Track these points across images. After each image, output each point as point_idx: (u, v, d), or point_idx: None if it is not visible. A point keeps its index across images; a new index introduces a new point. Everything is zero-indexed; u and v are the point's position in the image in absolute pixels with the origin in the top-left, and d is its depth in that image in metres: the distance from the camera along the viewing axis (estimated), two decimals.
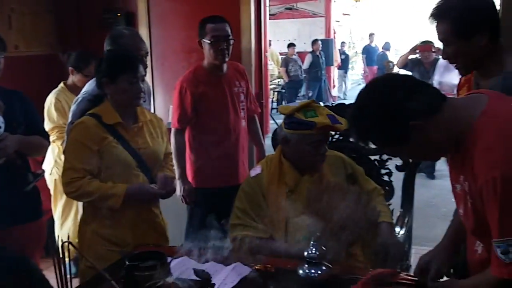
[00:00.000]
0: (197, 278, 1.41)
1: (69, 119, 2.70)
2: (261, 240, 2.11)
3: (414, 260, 2.10)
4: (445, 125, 1.41)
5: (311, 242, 1.76)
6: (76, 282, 2.36)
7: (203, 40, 3.03)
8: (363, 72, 15.79)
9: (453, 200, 1.67)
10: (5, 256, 1.95)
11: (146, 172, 2.36)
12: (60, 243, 0.84)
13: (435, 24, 2.01)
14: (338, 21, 15.63)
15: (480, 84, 2.10)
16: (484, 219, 1.37)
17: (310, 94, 11.75)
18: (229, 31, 3.06)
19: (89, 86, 2.78)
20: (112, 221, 2.27)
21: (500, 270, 1.34)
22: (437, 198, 5.46)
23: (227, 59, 3.10)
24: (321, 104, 2.59)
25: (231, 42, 3.07)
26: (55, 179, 3.57)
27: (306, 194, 2.12)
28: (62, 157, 3.45)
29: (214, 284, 1.33)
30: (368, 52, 14.92)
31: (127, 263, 1.52)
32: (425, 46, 6.18)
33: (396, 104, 1.40)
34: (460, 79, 2.34)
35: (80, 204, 2.77)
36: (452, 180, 1.57)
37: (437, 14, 1.99)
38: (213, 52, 3.01)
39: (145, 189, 2.31)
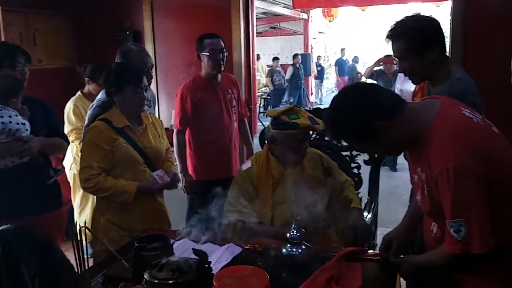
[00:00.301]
0: (196, 257, 1.39)
1: (86, 122, 2.68)
2: (252, 224, 2.11)
3: (379, 240, 2.11)
4: (406, 125, 1.43)
5: (293, 225, 1.76)
6: (91, 262, 2.35)
7: (202, 53, 3.02)
8: (336, 81, 15.80)
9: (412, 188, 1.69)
10: (33, 240, 1.93)
11: (151, 167, 2.34)
12: (78, 228, 0.83)
13: (391, 43, 2.04)
14: (315, 38, 15.63)
15: (431, 91, 2.12)
16: (438, 203, 1.38)
17: (291, 100, 11.78)
18: (223, 45, 3.07)
19: (101, 94, 2.75)
20: (122, 211, 2.25)
21: (453, 246, 1.35)
22: (398, 187, 5.48)
23: (222, 69, 3.10)
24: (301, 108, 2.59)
25: (226, 54, 3.07)
26: (74, 174, 3.54)
27: (290, 184, 2.12)
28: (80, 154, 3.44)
29: (210, 262, 1.32)
30: (340, 64, 14.96)
31: (135, 245, 1.51)
32: (388, 59, 6.24)
33: (364, 107, 1.41)
34: (415, 87, 2.36)
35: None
36: (411, 171, 1.58)
37: (394, 35, 2.02)
38: (211, 63, 3.01)
39: (152, 186, 2.29)
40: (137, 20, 4.36)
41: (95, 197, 3.03)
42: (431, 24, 1.99)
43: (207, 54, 2.99)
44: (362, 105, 1.41)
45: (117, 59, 2.80)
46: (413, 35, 1.97)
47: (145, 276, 1.29)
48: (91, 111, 2.66)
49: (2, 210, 2.23)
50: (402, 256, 1.71)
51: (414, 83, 2.23)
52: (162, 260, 1.33)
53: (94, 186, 2.17)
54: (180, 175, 3.09)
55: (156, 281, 1.25)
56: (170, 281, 1.26)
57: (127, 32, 4.33)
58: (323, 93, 15.77)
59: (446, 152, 1.34)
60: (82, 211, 3.68)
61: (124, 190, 2.19)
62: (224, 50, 3.05)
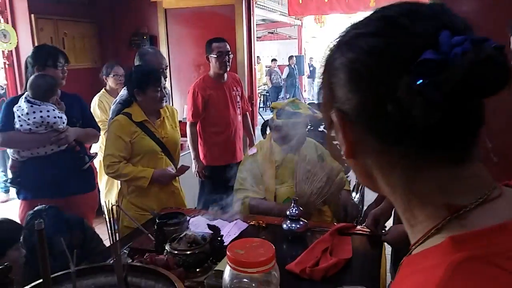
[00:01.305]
0: (210, 231, 1.41)
1: (110, 116, 2.68)
2: (258, 199, 2.12)
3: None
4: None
5: (292, 204, 1.76)
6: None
7: (210, 55, 3.01)
8: None
9: None
10: (64, 218, 1.94)
11: (168, 155, 2.35)
12: (110, 206, 0.84)
13: None
14: (308, 42, 15.54)
15: None
16: None
17: (288, 96, 11.75)
18: (229, 48, 3.06)
19: (123, 91, 2.75)
20: (142, 194, 2.24)
21: None
22: None
23: (228, 69, 3.10)
24: None
25: (231, 56, 3.07)
26: (100, 160, 3.54)
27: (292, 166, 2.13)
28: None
29: (222, 235, 1.33)
30: None
31: (157, 221, 1.52)
32: None
33: None
34: None
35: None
36: None
37: None
38: (218, 64, 3.01)
39: (167, 173, 2.28)
40: (153, 26, 4.34)
41: (119, 181, 3.05)
42: None
43: (215, 56, 2.99)
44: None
45: (136, 60, 2.79)
46: None
47: (166, 248, 1.31)
48: (114, 106, 2.66)
49: (43, 191, 2.25)
50: (387, 229, 1.72)
51: None
52: (181, 234, 1.34)
53: (115, 172, 2.17)
54: (193, 162, 3.12)
55: (176, 252, 1.27)
56: (188, 252, 1.28)
57: (144, 37, 4.32)
58: (315, 90, 15.70)
59: None
60: (108, 193, 3.69)
61: (141, 176, 2.19)
62: (230, 52, 3.05)
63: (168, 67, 3.00)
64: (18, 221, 2.18)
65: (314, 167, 2.05)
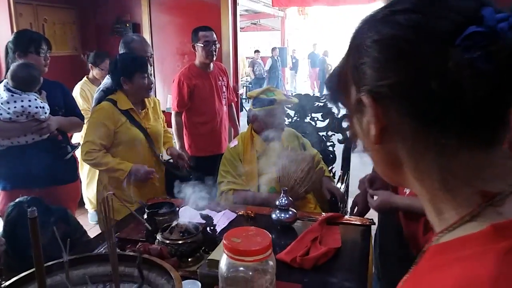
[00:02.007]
0: (200, 221, 1.40)
1: (92, 104, 2.62)
2: (241, 191, 2.12)
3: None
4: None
5: (282, 194, 1.76)
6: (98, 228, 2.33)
7: (197, 44, 2.97)
8: (308, 72, 15.79)
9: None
10: (47, 209, 1.90)
11: (152, 145, 2.32)
12: (106, 195, 0.82)
13: None
14: (290, 34, 15.53)
15: None
16: None
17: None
18: (215, 37, 3.02)
19: (107, 80, 2.70)
20: (121, 185, 2.18)
21: None
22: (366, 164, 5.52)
23: (214, 59, 3.07)
24: None
25: (217, 46, 3.03)
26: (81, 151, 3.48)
27: (274, 156, 2.14)
28: None
29: (215, 225, 1.32)
30: (312, 57, 14.87)
31: (146, 211, 1.50)
32: None
33: None
34: None
35: None
36: None
37: None
38: (205, 53, 2.97)
39: (144, 169, 2.21)
40: (136, 13, 4.25)
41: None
42: None
43: (202, 45, 2.95)
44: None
45: (120, 48, 2.73)
46: None
47: (157, 237, 1.29)
48: (97, 94, 2.60)
49: (23, 181, 2.19)
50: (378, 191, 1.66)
51: None
52: (172, 224, 1.32)
53: (93, 159, 2.13)
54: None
55: (168, 242, 1.25)
56: (180, 242, 1.26)
57: (127, 24, 4.22)
58: (297, 82, 15.75)
59: None
60: (89, 184, 3.63)
61: (119, 168, 2.15)
62: (216, 42, 3.02)
63: (153, 55, 2.94)
64: None
65: (297, 156, 2.06)
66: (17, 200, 1.89)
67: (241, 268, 0.94)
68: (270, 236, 0.97)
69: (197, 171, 3.08)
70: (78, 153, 3.54)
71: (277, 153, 2.13)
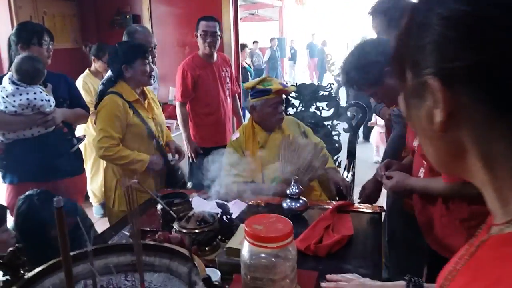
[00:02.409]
0: (212, 211, 1.40)
1: (95, 98, 2.61)
2: (245, 183, 2.12)
3: (356, 196, 2.18)
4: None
5: (292, 183, 1.77)
6: (105, 221, 2.34)
7: (197, 33, 2.96)
8: (307, 62, 15.74)
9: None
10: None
11: (159, 135, 2.32)
12: (129, 183, 0.82)
13: (371, 17, 2.02)
14: (288, 24, 15.43)
15: None
16: None
17: None
18: (217, 28, 2.99)
19: (109, 72, 2.68)
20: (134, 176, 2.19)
21: (450, 177, 1.32)
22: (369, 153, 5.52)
23: (214, 50, 3.05)
24: None
25: (218, 37, 3.01)
26: (85, 144, 3.47)
27: (278, 146, 2.14)
28: (90, 126, 3.37)
29: (231, 213, 1.33)
30: (310, 47, 14.79)
31: (160, 201, 1.50)
32: None
33: (378, 54, 1.39)
34: None
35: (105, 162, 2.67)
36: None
37: (374, 11, 2.01)
38: (202, 43, 2.96)
39: (160, 159, 2.27)
40: (136, 5, 4.23)
41: (105, 164, 2.98)
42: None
43: (200, 35, 2.94)
44: (377, 53, 1.38)
45: (124, 38, 2.72)
46: (390, 14, 1.95)
47: (174, 227, 1.30)
48: (100, 87, 2.58)
49: (30, 174, 2.19)
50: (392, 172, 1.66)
51: None
52: (188, 213, 1.33)
53: (114, 154, 2.11)
54: (185, 143, 3.09)
55: (185, 231, 1.26)
56: (197, 230, 1.27)
57: (127, 16, 4.20)
58: (296, 73, 15.71)
59: None
60: (94, 177, 3.63)
61: (139, 159, 2.15)
62: (217, 33, 2.99)
63: (156, 46, 2.92)
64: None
65: (298, 145, 2.06)
66: (26, 193, 1.89)
67: (263, 255, 0.94)
68: (291, 222, 0.97)
69: (201, 162, 3.10)
70: (81, 145, 3.58)
71: (279, 142, 2.13)
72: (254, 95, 2.17)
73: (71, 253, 0.94)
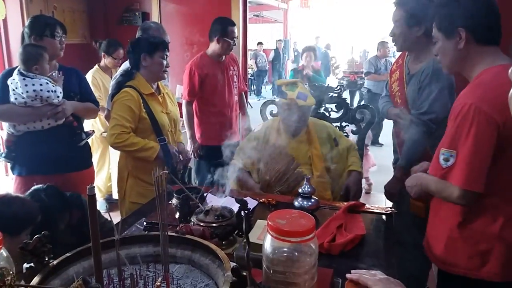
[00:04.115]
0: (226, 206, 1.41)
1: (110, 92, 2.62)
2: (245, 174, 2.18)
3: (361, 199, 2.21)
4: (473, 54, 1.36)
5: (305, 182, 1.78)
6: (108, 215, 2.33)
7: (225, 38, 2.97)
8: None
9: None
10: (63, 196, 1.91)
11: (172, 130, 2.34)
12: (159, 174, 0.83)
13: (395, 7, 2.05)
14: (293, 26, 15.47)
15: (411, 71, 2.13)
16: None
17: (273, 81, 11.70)
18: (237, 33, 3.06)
19: (124, 66, 2.70)
20: (147, 169, 2.18)
21: (435, 171, 1.35)
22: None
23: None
24: None
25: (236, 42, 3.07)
26: (92, 138, 3.47)
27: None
28: (98, 121, 3.38)
29: (250, 208, 1.33)
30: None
31: (175, 195, 1.51)
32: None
33: (458, 8, 1.36)
34: (392, 66, 2.37)
35: (111, 157, 2.67)
36: None
37: (398, 2, 2.04)
38: (225, 48, 3.00)
39: (172, 148, 2.28)
40: (145, 2, 4.24)
41: (111, 159, 2.98)
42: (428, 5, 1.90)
43: (230, 40, 2.97)
44: (458, 6, 1.35)
45: (138, 35, 2.74)
46: (410, 8, 1.97)
47: (192, 220, 1.31)
48: (115, 80, 2.59)
49: (39, 167, 2.20)
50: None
51: (397, 50, 2.23)
52: (206, 207, 1.34)
53: (124, 141, 2.11)
54: (189, 141, 3.10)
55: (203, 224, 1.27)
56: (215, 224, 1.28)
57: (136, 13, 4.22)
58: None
59: (475, 91, 1.29)
60: (99, 172, 3.64)
61: (150, 146, 2.16)
62: (236, 38, 3.05)
63: (169, 43, 2.94)
64: None
65: (276, 155, 2.08)
66: (32, 188, 1.89)
67: (285, 249, 0.95)
68: (313, 218, 0.98)
69: (207, 160, 3.11)
70: (89, 140, 3.59)
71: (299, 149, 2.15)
72: (277, 93, 2.22)
73: (103, 240, 0.95)
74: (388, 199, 2.22)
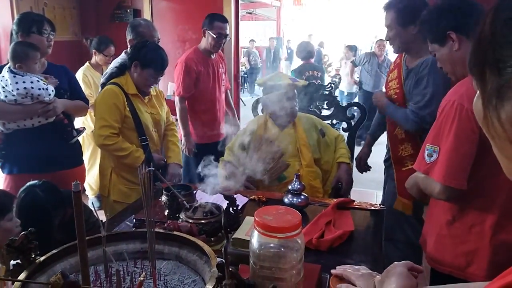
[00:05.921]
0: (214, 203, 1.41)
1: (101, 81, 2.61)
2: (230, 166, 2.13)
3: (353, 196, 2.22)
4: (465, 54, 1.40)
5: (295, 179, 1.79)
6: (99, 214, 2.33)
7: (210, 32, 2.95)
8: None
9: None
10: (58, 193, 1.91)
11: (155, 131, 2.32)
12: (147, 169, 0.83)
13: (385, 12, 2.06)
14: (286, 24, 15.46)
15: (409, 67, 2.15)
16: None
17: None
18: (228, 30, 3.02)
19: (114, 63, 2.68)
20: (131, 168, 2.19)
21: (418, 166, 1.38)
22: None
23: (219, 50, 3.09)
24: None
25: (228, 39, 3.05)
26: (83, 136, 3.46)
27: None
28: (89, 118, 3.36)
29: (238, 205, 1.34)
30: None
31: (165, 192, 1.52)
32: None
33: (446, 14, 1.43)
34: (390, 66, 2.39)
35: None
36: None
37: (388, 5, 2.04)
38: (214, 44, 2.97)
39: (157, 156, 2.28)
40: None
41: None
42: (424, 4, 1.95)
43: (214, 36, 2.94)
44: (441, 14, 1.41)
45: (128, 32, 2.72)
46: (402, 9, 1.98)
47: (181, 217, 1.31)
48: (110, 70, 2.56)
49: (30, 165, 2.18)
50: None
51: (394, 52, 2.25)
52: (195, 204, 1.34)
53: (113, 144, 2.10)
54: (183, 138, 3.09)
55: (191, 221, 1.27)
56: (203, 221, 1.28)
57: (127, 10, 4.20)
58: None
59: (459, 89, 1.31)
60: (90, 170, 3.62)
61: (137, 156, 2.15)
62: (228, 36, 3.03)
63: (159, 40, 2.93)
64: None
65: (265, 147, 2.10)
66: (28, 184, 1.88)
67: (272, 245, 0.96)
68: (300, 214, 0.99)
69: (197, 158, 3.11)
70: (80, 138, 3.57)
71: (291, 138, 2.16)
72: (265, 90, 2.22)
73: (91, 237, 0.96)
74: (359, 170, 2.44)
